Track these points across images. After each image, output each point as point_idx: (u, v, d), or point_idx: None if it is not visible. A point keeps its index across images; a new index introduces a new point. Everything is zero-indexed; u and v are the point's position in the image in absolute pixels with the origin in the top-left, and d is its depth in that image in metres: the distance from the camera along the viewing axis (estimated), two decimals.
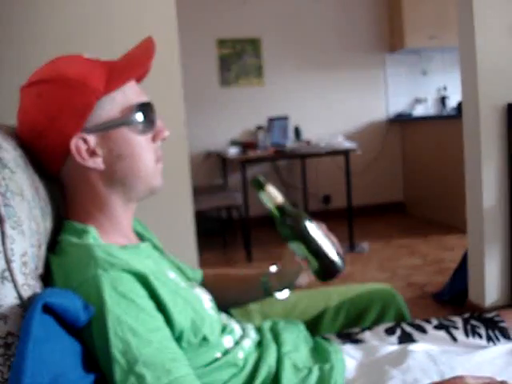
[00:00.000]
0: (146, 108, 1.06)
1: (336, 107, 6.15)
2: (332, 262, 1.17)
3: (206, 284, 1.39)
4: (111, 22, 2.44)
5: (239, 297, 1.41)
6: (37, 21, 2.40)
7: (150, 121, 1.07)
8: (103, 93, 1.00)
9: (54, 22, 2.40)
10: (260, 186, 1.18)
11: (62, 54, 1.09)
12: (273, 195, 1.19)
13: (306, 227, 1.17)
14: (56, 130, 0.99)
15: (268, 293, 1.33)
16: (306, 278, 1.27)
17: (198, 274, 1.43)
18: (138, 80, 1.13)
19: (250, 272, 1.41)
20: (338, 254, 1.19)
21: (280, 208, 1.18)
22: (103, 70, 1.03)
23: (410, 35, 5.86)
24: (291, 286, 1.30)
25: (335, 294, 1.55)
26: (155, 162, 1.10)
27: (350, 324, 1.49)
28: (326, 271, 1.18)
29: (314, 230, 1.18)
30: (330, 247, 1.18)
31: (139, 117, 1.04)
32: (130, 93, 1.05)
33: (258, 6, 5.91)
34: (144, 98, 1.07)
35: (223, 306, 1.36)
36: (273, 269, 1.33)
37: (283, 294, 1.32)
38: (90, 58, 1.07)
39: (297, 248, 1.18)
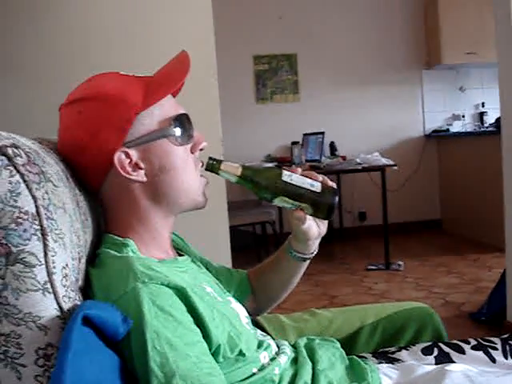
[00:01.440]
0: (183, 119, 1.09)
1: (372, 123, 6.13)
2: (321, 197, 1.13)
3: (252, 283, 1.41)
4: (149, 37, 2.48)
5: (281, 278, 1.37)
6: (75, 39, 2.45)
7: (187, 132, 1.09)
8: (142, 108, 1.03)
9: (91, 39, 2.45)
10: (216, 169, 1.12)
11: (99, 71, 1.12)
12: (231, 170, 1.13)
13: (278, 180, 1.12)
14: (98, 146, 1.01)
15: (300, 258, 1.29)
16: (314, 225, 1.19)
17: (244, 274, 1.43)
18: (174, 93, 1.15)
19: (278, 251, 1.37)
20: (326, 187, 1.15)
21: (245, 177, 1.13)
22: (141, 86, 1.05)
23: (446, 51, 5.83)
24: (311, 240, 1.23)
25: (371, 312, 1.53)
26: (198, 175, 1.11)
27: (386, 343, 1.47)
28: (321, 208, 1.14)
29: (289, 177, 1.13)
30: (312, 185, 1.13)
31: (177, 128, 1.07)
32: (167, 106, 1.07)
33: (294, 21, 5.95)
34: (181, 111, 1.10)
35: (275, 297, 1.41)
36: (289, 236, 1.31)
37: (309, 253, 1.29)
38: (127, 75, 1.09)
39: (284, 203, 1.14)
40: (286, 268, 1.35)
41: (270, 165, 5.06)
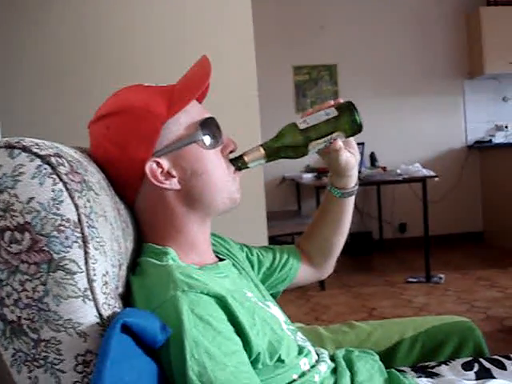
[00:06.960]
0: (210, 123, 1.09)
1: (413, 133, 6.07)
2: (342, 117, 1.14)
3: (306, 248, 1.44)
4: (190, 47, 2.50)
5: (332, 224, 1.39)
6: (120, 51, 2.49)
7: (216, 135, 1.10)
8: (167, 117, 1.04)
9: (135, 48, 2.49)
10: (243, 164, 1.12)
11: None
12: (256, 156, 1.13)
13: (297, 132, 1.13)
14: (128, 158, 1.03)
15: (346, 194, 1.32)
16: (349, 154, 1.24)
17: (291, 246, 1.46)
18: (200, 99, 1.16)
19: (322, 201, 1.41)
20: (339, 106, 1.16)
21: (270, 152, 1.13)
22: (164, 95, 1.06)
23: (489, 61, 5.76)
24: (351, 170, 1.28)
25: (411, 325, 1.51)
26: (230, 174, 1.12)
27: (426, 357, 1.45)
28: (348, 125, 1.15)
29: (304, 123, 1.13)
30: (327, 113, 1.14)
31: (205, 132, 1.07)
32: (192, 112, 1.08)
33: (334, 32, 5.94)
34: (207, 115, 1.10)
35: (332, 247, 1.42)
36: (328, 178, 1.35)
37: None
38: (150, 85, 1.11)
39: (318, 146, 1.15)
40: (334, 211, 1.37)
41: (312, 174, 5.04)
